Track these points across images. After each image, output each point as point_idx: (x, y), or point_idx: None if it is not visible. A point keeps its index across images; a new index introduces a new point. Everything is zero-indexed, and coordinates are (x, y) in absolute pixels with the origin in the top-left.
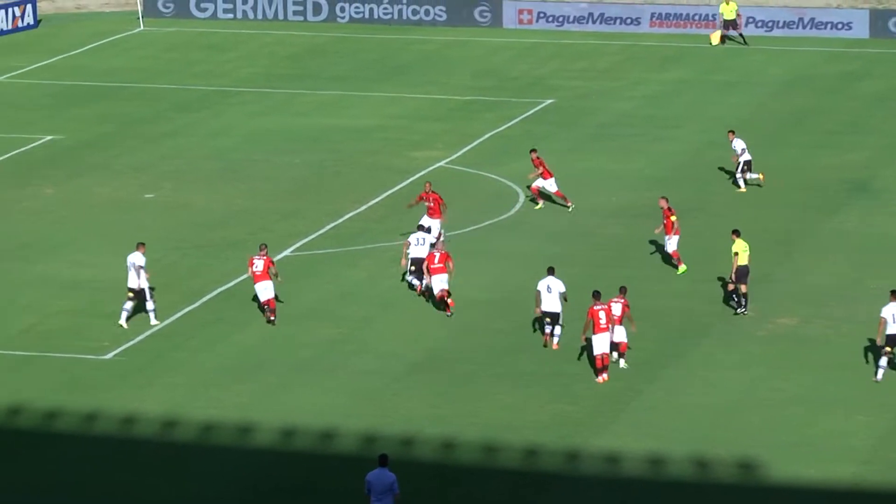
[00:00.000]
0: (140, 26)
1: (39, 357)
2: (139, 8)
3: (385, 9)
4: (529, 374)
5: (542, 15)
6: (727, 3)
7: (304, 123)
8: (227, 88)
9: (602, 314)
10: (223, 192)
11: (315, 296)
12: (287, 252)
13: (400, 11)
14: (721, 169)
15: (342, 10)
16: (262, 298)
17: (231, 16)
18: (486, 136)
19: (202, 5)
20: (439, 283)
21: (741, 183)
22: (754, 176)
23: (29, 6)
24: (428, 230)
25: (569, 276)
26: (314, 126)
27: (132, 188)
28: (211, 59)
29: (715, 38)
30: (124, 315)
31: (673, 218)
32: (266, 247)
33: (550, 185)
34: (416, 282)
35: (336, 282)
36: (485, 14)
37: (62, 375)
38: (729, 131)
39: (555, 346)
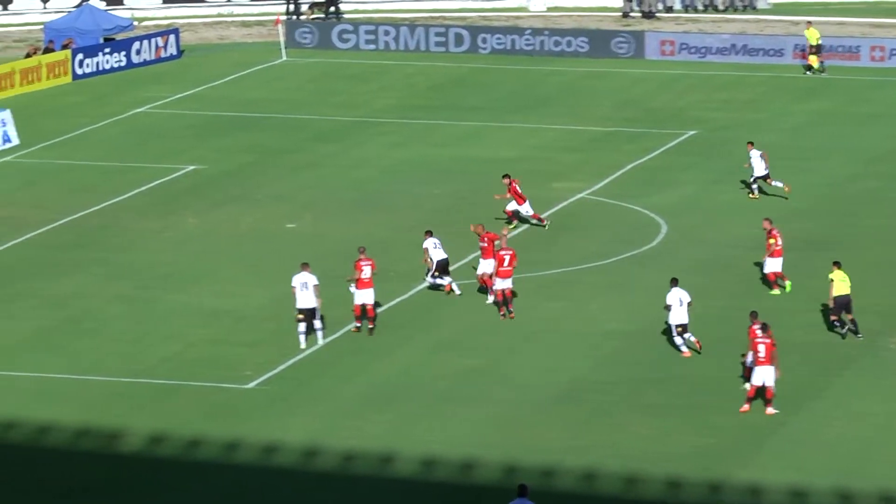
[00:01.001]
0: (282, 57)
1: (181, 386)
2: (281, 39)
3: (527, 40)
4: (670, 405)
5: (684, 46)
6: (808, 30)
7: (444, 154)
8: (367, 119)
9: (762, 347)
10: (362, 222)
11: (455, 326)
12: (427, 282)
13: (542, 42)
14: (863, 202)
15: (484, 41)
16: (361, 302)
17: (373, 46)
18: (628, 167)
19: (344, 36)
20: (506, 284)
21: (777, 182)
22: (778, 183)
23: (172, 36)
24: (429, 232)
25: (710, 307)
26: (454, 157)
27: (273, 218)
28: (352, 89)
29: (814, 62)
30: (302, 337)
31: (771, 241)
32: (365, 249)
33: (526, 209)
34: (439, 281)
35: (477, 312)
36: (625, 46)
37: (204, 404)
38: (748, 143)
39: (698, 345)
